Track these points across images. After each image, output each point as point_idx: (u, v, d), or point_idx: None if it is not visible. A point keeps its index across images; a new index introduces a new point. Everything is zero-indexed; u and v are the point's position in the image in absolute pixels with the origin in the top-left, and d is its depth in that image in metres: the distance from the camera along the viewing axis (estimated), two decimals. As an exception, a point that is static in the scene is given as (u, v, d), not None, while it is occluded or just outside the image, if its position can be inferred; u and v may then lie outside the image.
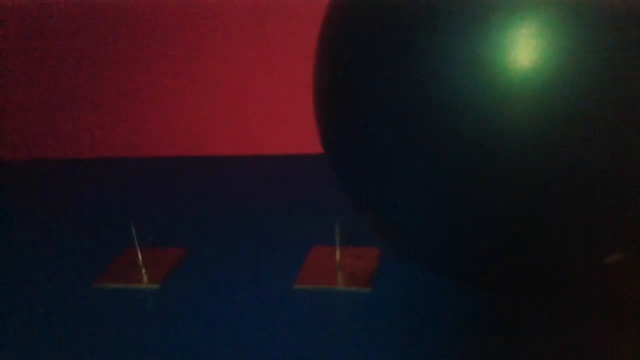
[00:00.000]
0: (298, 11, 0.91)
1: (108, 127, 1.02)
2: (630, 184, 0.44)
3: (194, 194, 0.86)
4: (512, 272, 0.52)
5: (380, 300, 0.58)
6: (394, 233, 0.56)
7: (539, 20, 0.42)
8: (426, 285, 0.60)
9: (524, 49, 0.42)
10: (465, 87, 0.43)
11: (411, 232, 0.53)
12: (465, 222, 0.48)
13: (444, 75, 0.44)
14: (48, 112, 1.03)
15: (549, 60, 0.41)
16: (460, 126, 0.44)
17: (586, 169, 0.43)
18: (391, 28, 0.46)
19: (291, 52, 0.94)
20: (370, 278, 0.61)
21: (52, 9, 0.97)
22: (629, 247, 0.48)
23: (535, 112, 0.42)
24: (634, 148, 0.42)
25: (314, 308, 0.58)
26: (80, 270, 0.67)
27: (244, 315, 0.58)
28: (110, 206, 0.84)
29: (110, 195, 0.88)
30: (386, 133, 0.48)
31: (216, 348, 0.53)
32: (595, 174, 0.43)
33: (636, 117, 0.42)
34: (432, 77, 0.44)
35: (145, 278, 0.64)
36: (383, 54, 0.47)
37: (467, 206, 0.47)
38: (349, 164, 0.54)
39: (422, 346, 0.51)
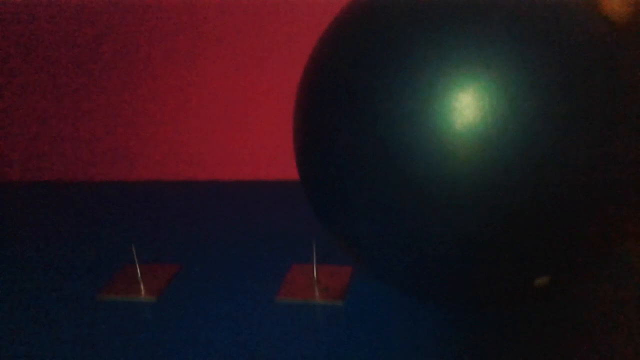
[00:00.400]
0: (282, 46, 1.00)
1: (105, 153, 1.10)
2: (555, 220, 0.53)
3: (185, 216, 0.94)
4: (462, 295, 0.61)
5: (352, 313, 0.67)
6: (361, 257, 0.65)
7: (479, 84, 0.51)
8: (394, 300, 0.68)
9: (466, 109, 0.51)
10: (417, 139, 0.53)
11: (374, 256, 0.62)
12: (420, 251, 0.57)
13: (400, 131, 0.53)
14: (46, 137, 1.11)
15: (485, 119, 0.51)
16: (413, 173, 0.53)
17: (518, 208, 0.52)
18: (356, 91, 0.56)
19: (276, 84, 1.02)
20: (343, 293, 0.70)
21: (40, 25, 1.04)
22: (554, 272, 0.57)
23: (474, 161, 0.51)
24: (561, 190, 0.52)
25: (293, 319, 0.66)
26: (84, 284, 0.74)
27: (232, 324, 0.65)
28: (109, 226, 0.91)
29: (108, 217, 0.95)
30: (352, 175, 0.57)
31: (207, 354, 0.61)
32: (526, 211, 0.52)
33: (560, 166, 0.51)
34: (391, 133, 0.53)
35: (143, 291, 0.72)
36: (349, 113, 0.56)
37: (420, 238, 0.56)
38: (322, 198, 0.63)
39: (387, 354, 0.60)
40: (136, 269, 0.74)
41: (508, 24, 0.51)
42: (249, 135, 1.06)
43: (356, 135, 0.55)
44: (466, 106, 0.51)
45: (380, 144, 0.54)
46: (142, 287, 0.72)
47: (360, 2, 0.60)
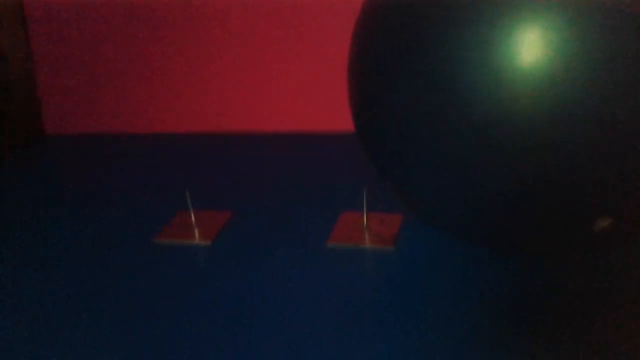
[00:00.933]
0: None
1: (159, 105, 1.12)
2: (613, 163, 0.52)
3: (237, 166, 0.96)
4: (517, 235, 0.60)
5: (401, 258, 0.67)
6: (415, 201, 0.65)
7: (540, 24, 0.49)
8: (444, 246, 0.68)
9: (527, 50, 0.49)
10: (477, 81, 0.51)
11: (429, 200, 0.62)
12: (474, 194, 0.56)
13: (460, 71, 0.52)
14: (108, 92, 1.14)
15: (546, 59, 0.49)
16: (476, 113, 0.52)
17: (576, 149, 0.51)
18: (415, 30, 0.54)
19: (328, 36, 1.02)
20: (393, 239, 0.70)
21: None
22: (614, 215, 0.55)
23: (533, 103, 0.50)
24: (620, 132, 0.50)
25: (343, 263, 0.67)
26: (142, 229, 0.77)
27: (283, 267, 0.67)
28: (164, 176, 0.94)
29: (163, 167, 0.98)
30: (410, 118, 0.56)
31: (258, 295, 0.62)
32: (585, 155, 0.51)
33: (620, 108, 0.49)
34: (450, 73, 0.52)
35: (197, 236, 0.74)
36: (407, 52, 0.55)
37: (477, 182, 0.55)
38: (380, 146, 0.63)
39: (435, 295, 0.60)
40: (190, 214, 0.76)
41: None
42: (297, 87, 1.06)
43: (415, 77, 0.54)
44: (532, 43, 0.49)
45: (441, 85, 0.52)
46: (196, 231, 0.74)
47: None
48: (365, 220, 0.72)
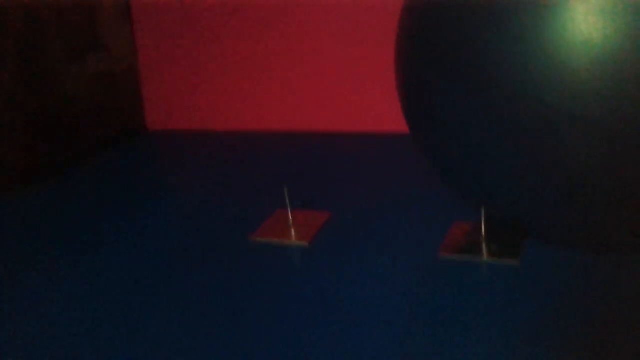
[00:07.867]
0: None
1: (262, 103, 1.09)
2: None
3: (339, 165, 0.90)
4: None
5: (526, 274, 0.58)
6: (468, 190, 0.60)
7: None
8: (571, 265, 0.58)
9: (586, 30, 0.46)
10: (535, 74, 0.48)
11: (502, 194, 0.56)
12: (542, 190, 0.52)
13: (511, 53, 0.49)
14: (210, 90, 1.12)
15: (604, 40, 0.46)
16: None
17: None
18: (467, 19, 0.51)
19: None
20: (516, 253, 0.61)
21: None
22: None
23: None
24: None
25: (461, 278, 0.59)
26: (239, 226, 0.72)
27: (387, 275, 0.60)
28: (264, 173, 0.90)
29: (264, 164, 0.94)
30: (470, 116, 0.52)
31: (358, 307, 0.55)
32: None
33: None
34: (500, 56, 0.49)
35: (294, 236, 0.68)
36: (458, 42, 0.52)
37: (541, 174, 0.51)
38: (434, 145, 0.59)
39: (569, 316, 0.51)
40: (288, 213, 0.70)
41: None
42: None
43: (463, 61, 0.51)
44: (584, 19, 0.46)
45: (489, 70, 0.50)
46: (293, 231, 0.69)
47: None
48: (483, 232, 0.63)
